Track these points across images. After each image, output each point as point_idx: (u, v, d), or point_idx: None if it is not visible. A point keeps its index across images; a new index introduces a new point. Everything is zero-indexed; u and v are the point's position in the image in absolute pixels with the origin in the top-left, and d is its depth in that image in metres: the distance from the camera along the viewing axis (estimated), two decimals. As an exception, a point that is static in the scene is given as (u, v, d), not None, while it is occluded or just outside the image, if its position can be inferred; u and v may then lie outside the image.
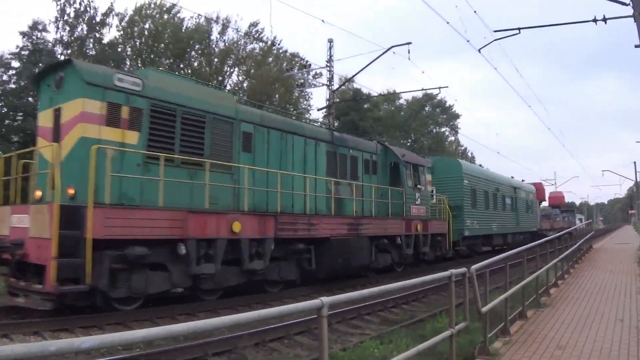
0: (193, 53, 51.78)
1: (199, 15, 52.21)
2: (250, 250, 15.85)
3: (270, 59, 55.25)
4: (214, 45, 53.03)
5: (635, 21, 15.39)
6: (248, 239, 15.72)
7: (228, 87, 50.89)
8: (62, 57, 36.72)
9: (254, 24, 54.53)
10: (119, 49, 46.12)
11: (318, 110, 46.17)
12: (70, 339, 3.23)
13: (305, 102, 57.43)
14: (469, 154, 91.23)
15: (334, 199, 20.05)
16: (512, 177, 42.91)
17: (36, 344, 2.93)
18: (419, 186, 24.83)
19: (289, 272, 17.69)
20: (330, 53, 39.10)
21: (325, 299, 4.75)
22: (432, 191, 26.92)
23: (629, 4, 15.65)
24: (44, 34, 39.72)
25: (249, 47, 55.11)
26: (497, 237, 35.10)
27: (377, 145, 24.23)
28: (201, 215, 14.39)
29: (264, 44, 54.29)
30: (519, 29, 19.42)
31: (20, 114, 36.16)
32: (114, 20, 46.03)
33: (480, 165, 51.91)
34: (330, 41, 39.42)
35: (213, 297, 15.28)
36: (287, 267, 17.62)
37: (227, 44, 53.46)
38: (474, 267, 8.16)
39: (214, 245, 14.63)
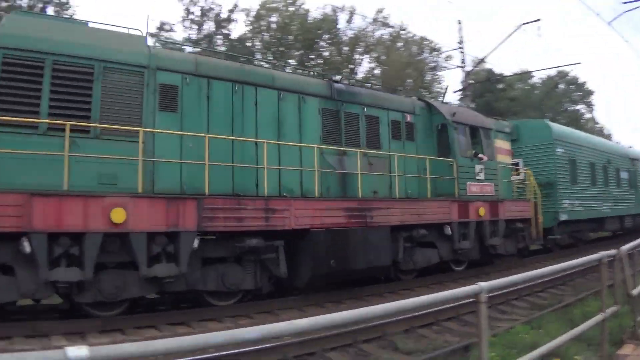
0: (322, 43, 50.39)
1: (324, 5, 54.46)
2: (151, 250, 10.91)
3: (400, 44, 53.43)
4: (342, 34, 51.57)
5: None
6: (146, 233, 10.75)
7: (361, 75, 49.56)
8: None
9: (380, 10, 52.70)
10: (249, 44, 46.73)
11: (454, 92, 42.62)
12: (235, 330, 3.50)
13: (437, 85, 54.11)
14: (606, 132, 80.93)
15: (338, 175, 14.91)
16: (631, 147, 34.41)
17: (202, 335, 3.21)
18: (480, 155, 18.27)
19: (238, 279, 12.38)
20: (460, 34, 36.01)
21: (484, 284, 4.91)
22: (517, 164, 21.55)
23: None
24: (170, 33, 41.96)
25: (377, 33, 52.76)
26: (611, 221, 27.22)
27: (416, 103, 18.16)
28: (54, 198, 9.84)
29: (392, 29, 52.57)
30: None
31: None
32: (240, 16, 48.97)
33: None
34: (459, 22, 36.26)
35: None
36: (235, 273, 12.35)
37: (355, 32, 51.80)
38: (624, 247, 8.09)
39: (82, 242, 10.10)
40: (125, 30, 12.34)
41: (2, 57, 10.24)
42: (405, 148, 16.92)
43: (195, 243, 11.23)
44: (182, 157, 12.03)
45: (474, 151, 18.10)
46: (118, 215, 10.26)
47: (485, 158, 18.39)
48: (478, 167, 18.07)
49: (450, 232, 16.44)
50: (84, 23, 12.46)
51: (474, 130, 18.35)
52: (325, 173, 14.46)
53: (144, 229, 10.64)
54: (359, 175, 14.74)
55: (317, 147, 14.21)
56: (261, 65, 18.88)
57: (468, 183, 17.59)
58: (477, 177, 18.01)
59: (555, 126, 26.14)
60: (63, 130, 10.19)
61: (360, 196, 14.67)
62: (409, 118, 17.29)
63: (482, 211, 17.52)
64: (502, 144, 20.33)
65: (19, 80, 10.36)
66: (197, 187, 11.94)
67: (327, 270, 13.21)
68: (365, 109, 16.13)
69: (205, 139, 11.84)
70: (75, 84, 10.92)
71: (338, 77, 16.29)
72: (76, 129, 10.48)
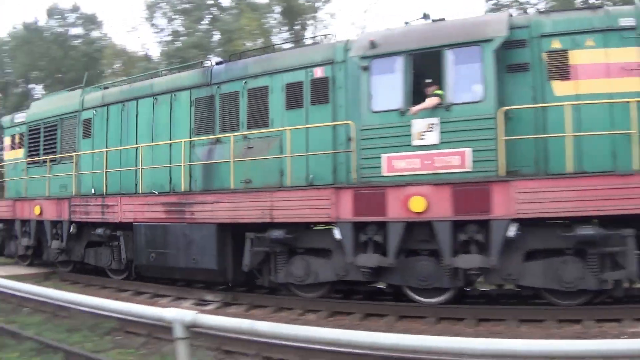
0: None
1: None
2: (51, 232, 17.32)
3: None
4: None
5: None
6: (50, 221, 17.29)
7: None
8: None
9: None
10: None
11: None
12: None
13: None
14: None
15: (204, 167, 14.74)
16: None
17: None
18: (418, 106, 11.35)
19: (103, 258, 16.38)
20: None
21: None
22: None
23: None
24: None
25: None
26: None
27: (338, 46, 13.21)
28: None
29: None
30: None
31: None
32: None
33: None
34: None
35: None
36: (102, 254, 16.38)
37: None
38: None
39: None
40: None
41: (29, 129, 19.35)
42: (310, 116, 13.19)
43: (70, 228, 16.69)
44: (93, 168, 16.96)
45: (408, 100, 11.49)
46: (37, 210, 17.50)
47: (433, 102, 11.22)
48: (422, 123, 11.29)
49: (339, 237, 11.83)
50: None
51: (425, 59, 11.47)
52: (193, 166, 14.67)
53: (49, 218, 17.34)
54: (231, 163, 13.54)
55: (185, 141, 14.59)
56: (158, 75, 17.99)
57: (387, 155, 11.60)
58: (418, 141, 11.33)
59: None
60: (45, 162, 18.25)
61: (232, 187, 13.53)
62: (319, 72, 13.05)
63: (421, 204, 11.05)
64: (604, 54, 11.00)
65: (33, 140, 19.28)
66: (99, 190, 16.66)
67: (147, 263, 14.54)
68: (247, 82, 14.07)
69: (104, 153, 16.43)
70: (51, 135, 18.84)
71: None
72: (52, 160, 18.03)
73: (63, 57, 54.78)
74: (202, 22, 46.51)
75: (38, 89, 57.77)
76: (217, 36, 45.77)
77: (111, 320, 10.55)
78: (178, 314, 3.08)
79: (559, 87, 11.07)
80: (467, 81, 11.20)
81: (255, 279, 13.97)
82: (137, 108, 16.38)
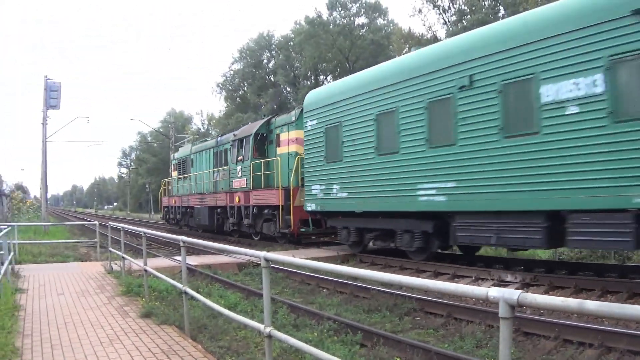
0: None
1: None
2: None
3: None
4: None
5: None
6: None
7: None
8: None
9: None
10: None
11: None
12: None
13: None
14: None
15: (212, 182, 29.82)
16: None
17: None
18: (240, 158, 25.53)
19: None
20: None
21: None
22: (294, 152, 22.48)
23: None
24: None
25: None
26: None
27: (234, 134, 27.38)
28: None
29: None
30: None
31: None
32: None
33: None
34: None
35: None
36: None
37: None
38: None
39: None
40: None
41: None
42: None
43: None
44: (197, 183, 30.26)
45: (239, 156, 25.64)
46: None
47: (245, 159, 25.11)
48: (239, 168, 25.63)
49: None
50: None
51: (241, 141, 25.51)
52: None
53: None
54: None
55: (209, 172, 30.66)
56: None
57: (233, 180, 26.40)
58: (238, 176, 25.76)
59: (316, 93, 20.64)
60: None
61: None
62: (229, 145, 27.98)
63: (237, 199, 25.57)
64: (286, 135, 23.24)
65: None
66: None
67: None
68: (222, 146, 29.36)
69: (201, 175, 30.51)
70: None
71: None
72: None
73: (350, 47, 56.84)
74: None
75: (327, 80, 60.56)
76: (502, 11, 44.23)
77: (410, 300, 10.67)
78: (504, 292, 3.04)
79: (278, 149, 23.73)
80: (245, 150, 25.18)
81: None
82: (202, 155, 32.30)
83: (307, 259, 13.46)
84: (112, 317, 9.28)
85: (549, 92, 11.42)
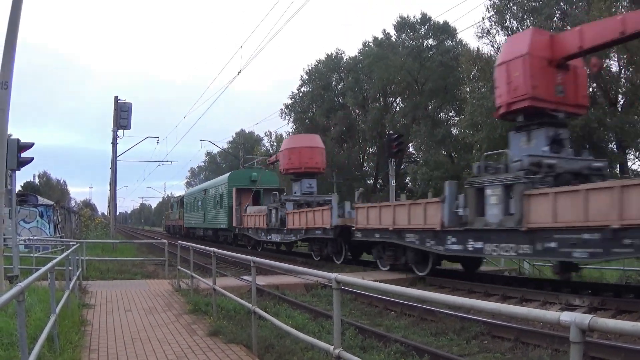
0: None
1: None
2: None
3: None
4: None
5: None
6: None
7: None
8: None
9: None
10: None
11: None
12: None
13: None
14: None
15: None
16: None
17: None
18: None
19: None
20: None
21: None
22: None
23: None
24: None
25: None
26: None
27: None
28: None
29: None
30: None
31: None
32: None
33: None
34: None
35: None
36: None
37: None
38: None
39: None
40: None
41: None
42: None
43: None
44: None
45: None
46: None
47: None
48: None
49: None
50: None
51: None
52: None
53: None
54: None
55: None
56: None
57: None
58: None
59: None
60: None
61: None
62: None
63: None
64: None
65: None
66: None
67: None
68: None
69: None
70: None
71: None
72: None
73: (419, 69, 56.65)
74: (552, 19, 44.55)
75: (397, 102, 60.46)
76: (569, 31, 43.62)
77: (477, 324, 10.68)
78: (575, 317, 3.14)
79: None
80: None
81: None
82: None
83: (375, 281, 13.61)
84: (180, 335, 9.46)
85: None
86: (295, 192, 33.37)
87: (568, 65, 16.86)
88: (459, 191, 18.36)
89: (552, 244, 14.16)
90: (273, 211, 32.48)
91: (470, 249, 16.82)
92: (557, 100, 16.66)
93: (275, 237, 32.33)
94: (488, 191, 16.39)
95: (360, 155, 70.39)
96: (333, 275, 5.83)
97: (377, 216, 21.26)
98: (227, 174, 45.65)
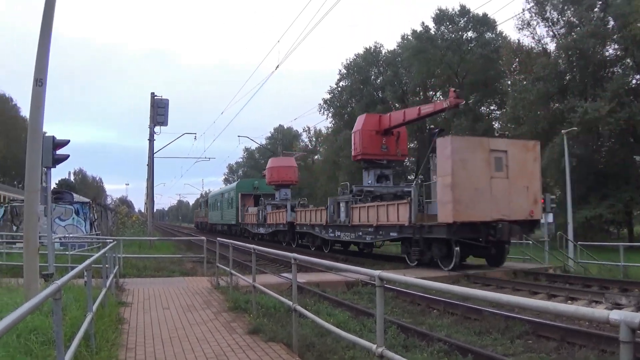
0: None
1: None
2: None
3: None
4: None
5: None
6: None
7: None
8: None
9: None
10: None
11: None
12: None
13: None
14: None
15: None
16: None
17: None
18: None
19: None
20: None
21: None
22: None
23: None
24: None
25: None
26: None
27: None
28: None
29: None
30: None
31: None
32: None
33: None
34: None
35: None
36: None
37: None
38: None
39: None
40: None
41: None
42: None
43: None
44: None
45: None
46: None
47: None
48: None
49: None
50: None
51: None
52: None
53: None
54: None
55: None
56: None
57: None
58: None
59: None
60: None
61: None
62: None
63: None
64: None
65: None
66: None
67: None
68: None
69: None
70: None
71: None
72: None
73: (459, 62, 56.12)
74: (594, 9, 43.75)
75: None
76: (611, 22, 42.74)
77: (522, 323, 10.52)
78: (625, 315, 3.09)
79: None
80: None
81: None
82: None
83: (418, 278, 13.45)
84: (219, 333, 9.39)
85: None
86: (276, 198, 44.84)
87: (392, 132, 28.60)
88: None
89: (360, 233, 26.75)
90: (261, 211, 45.75)
91: (334, 235, 30.00)
92: (382, 154, 28.59)
93: (261, 230, 45.71)
94: (341, 204, 29.19)
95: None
96: (376, 272, 5.70)
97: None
98: (235, 183, 64.80)
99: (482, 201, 19.41)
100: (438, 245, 20.60)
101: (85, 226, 30.55)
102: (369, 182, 28.94)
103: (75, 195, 36.97)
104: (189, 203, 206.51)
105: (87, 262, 8.10)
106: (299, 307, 8.09)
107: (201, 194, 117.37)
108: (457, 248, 19.66)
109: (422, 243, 21.37)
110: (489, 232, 19.55)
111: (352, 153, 29.66)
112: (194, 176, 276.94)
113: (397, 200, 24.44)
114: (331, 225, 30.03)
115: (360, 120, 29.56)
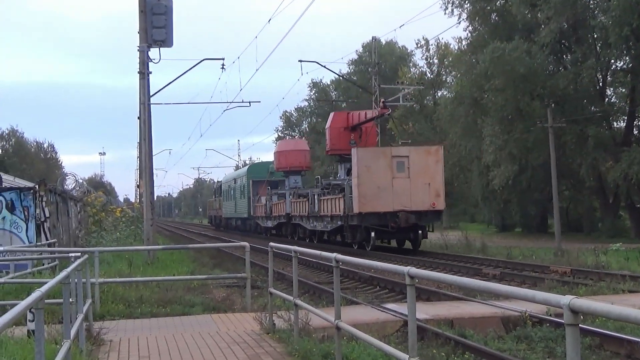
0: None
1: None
2: None
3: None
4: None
5: None
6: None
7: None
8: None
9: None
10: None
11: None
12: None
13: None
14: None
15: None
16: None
17: None
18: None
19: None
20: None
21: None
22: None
23: None
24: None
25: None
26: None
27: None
28: None
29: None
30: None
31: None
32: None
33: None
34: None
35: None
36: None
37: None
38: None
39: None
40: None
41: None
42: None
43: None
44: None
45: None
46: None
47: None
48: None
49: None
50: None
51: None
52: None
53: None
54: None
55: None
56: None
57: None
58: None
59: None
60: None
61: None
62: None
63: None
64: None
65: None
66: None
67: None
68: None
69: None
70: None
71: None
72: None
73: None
74: None
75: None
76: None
77: None
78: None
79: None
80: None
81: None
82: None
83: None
84: None
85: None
86: (286, 187, 41.54)
87: (360, 128, 33.05)
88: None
89: (324, 222, 32.23)
90: (267, 202, 43.69)
91: (313, 226, 34.63)
92: (350, 148, 30.10)
93: (268, 223, 44.77)
94: (316, 196, 33.29)
95: (599, 76, 39.52)
96: (565, 298, 2.85)
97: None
98: (246, 167, 58.51)
99: (385, 196, 27.29)
100: (360, 231, 28.40)
101: (27, 230, 19.10)
102: (340, 175, 34.08)
103: (4, 175, 25.06)
104: (213, 182, 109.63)
105: (34, 295, 4.14)
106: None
107: (237, 165, 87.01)
108: (373, 233, 27.64)
109: (348, 229, 29.45)
110: (394, 220, 26.91)
111: (327, 147, 34.99)
112: (222, 136, 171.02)
113: (339, 195, 30.70)
114: (311, 216, 34.46)
115: (330, 118, 35.19)
